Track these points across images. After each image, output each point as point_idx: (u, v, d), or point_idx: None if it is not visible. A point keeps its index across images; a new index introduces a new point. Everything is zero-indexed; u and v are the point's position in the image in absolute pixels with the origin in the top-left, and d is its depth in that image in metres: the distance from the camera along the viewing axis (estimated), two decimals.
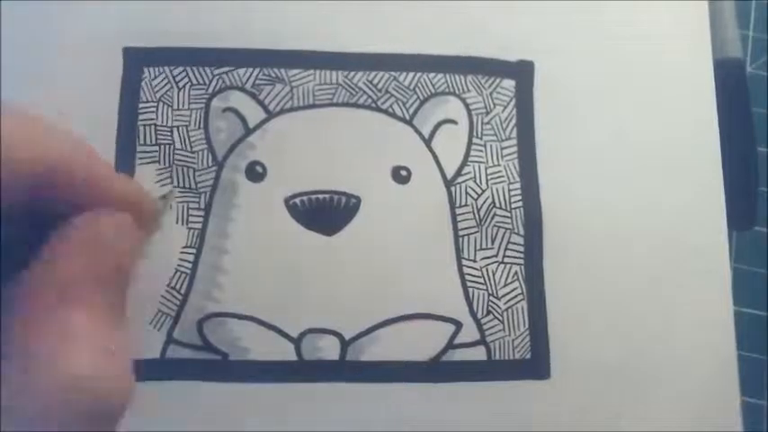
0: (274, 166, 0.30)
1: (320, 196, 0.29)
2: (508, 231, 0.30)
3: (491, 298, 0.29)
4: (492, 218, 0.30)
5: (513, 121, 0.31)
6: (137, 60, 0.30)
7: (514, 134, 0.31)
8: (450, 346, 0.29)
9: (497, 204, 0.30)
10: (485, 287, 0.30)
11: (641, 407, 0.29)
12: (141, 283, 0.28)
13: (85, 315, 0.17)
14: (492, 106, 0.31)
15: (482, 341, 0.29)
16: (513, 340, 0.29)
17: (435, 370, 0.29)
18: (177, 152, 0.30)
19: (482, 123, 0.31)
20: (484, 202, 0.30)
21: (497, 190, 0.30)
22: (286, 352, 0.28)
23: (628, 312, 0.30)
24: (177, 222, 0.29)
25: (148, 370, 0.28)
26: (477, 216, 0.30)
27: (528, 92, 0.31)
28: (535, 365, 0.29)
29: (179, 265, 0.29)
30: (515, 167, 0.31)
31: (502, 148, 0.31)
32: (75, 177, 0.19)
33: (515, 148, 0.31)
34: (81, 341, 0.17)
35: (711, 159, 0.31)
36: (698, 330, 0.30)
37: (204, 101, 0.30)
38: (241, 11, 0.31)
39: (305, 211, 0.29)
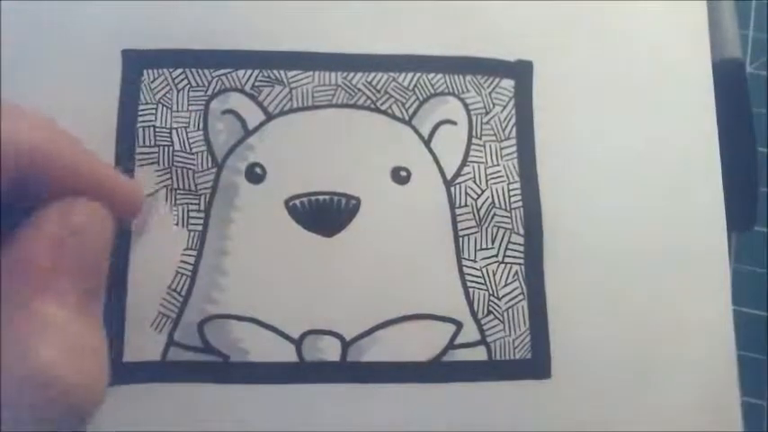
0: (274, 167, 0.30)
1: (320, 197, 0.29)
2: (508, 231, 0.30)
3: (491, 298, 0.29)
4: (492, 218, 0.30)
5: (513, 121, 0.31)
6: (136, 62, 0.30)
7: (514, 134, 0.31)
8: (451, 346, 0.29)
9: (497, 204, 0.30)
10: (485, 287, 0.30)
11: (641, 407, 0.29)
12: (142, 285, 0.29)
13: (56, 306, 0.17)
14: (491, 106, 0.31)
15: (482, 341, 0.29)
16: (513, 340, 0.29)
17: (436, 370, 0.29)
18: (177, 154, 0.30)
19: (481, 123, 0.31)
20: (484, 203, 0.30)
21: (497, 190, 0.30)
22: (287, 353, 0.28)
23: (628, 312, 0.30)
24: (177, 225, 0.29)
25: (149, 372, 0.28)
26: (477, 216, 0.30)
27: (527, 92, 0.31)
28: (536, 365, 0.29)
29: (179, 268, 0.29)
30: (515, 167, 0.31)
31: (501, 148, 0.31)
32: (54, 162, 0.18)
33: (515, 148, 0.31)
34: (51, 333, 0.16)
35: (711, 159, 0.31)
36: (698, 330, 0.30)
37: (203, 103, 0.30)
38: (240, 12, 0.31)
39: (305, 212, 0.29)
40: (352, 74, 0.31)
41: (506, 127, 0.31)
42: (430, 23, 0.32)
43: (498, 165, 0.31)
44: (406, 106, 0.31)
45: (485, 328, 0.29)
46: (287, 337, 0.28)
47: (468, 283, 0.29)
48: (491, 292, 0.30)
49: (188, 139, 0.30)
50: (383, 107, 0.31)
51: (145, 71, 0.30)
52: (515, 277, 0.30)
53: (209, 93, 0.30)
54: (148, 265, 0.29)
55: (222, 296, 0.29)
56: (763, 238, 0.34)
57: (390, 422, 0.28)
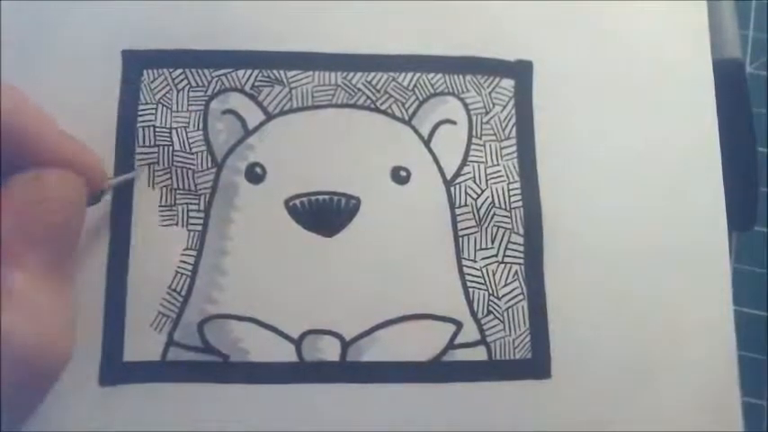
0: (274, 167, 0.30)
1: (320, 197, 0.29)
2: (508, 231, 0.30)
3: (491, 298, 0.29)
4: (492, 218, 0.30)
5: (513, 121, 0.31)
6: (135, 63, 0.30)
7: (514, 134, 0.31)
8: (451, 346, 0.29)
9: (497, 204, 0.30)
10: (485, 287, 0.30)
11: (641, 407, 0.29)
12: (142, 285, 0.29)
13: (22, 274, 0.17)
14: (491, 106, 0.31)
15: (482, 341, 0.29)
16: (513, 340, 0.29)
17: (436, 370, 0.29)
18: (176, 154, 0.30)
19: (481, 123, 0.31)
20: (483, 202, 0.30)
21: (497, 190, 0.30)
22: (287, 353, 0.28)
23: (628, 312, 0.30)
24: (177, 224, 0.29)
25: (149, 372, 0.28)
26: (476, 216, 0.30)
27: (527, 91, 0.31)
28: (536, 365, 0.29)
29: (179, 267, 0.29)
30: (515, 167, 0.31)
31: (501, 148, 0.31)
32: (18, 132, 0.18)
33: (515, 148, 0.31)
34: (14, 300, 0.16)
35: (711, 159, 0.31)
36: (698, 330, 0.30)
37: (203, 103, 0.30)
38: (240, 12, 0.31)
39: (305, 212, 0.29)
40: (351, 74, 0.31)
41: (506, 127, 0.31)
42: (430, 23, 0.32)
43: (498, 164, 0.31)
44: (406, 106, 0.31)
45: (485, 327, 0.29)
46: (287, 337, 0.28)
47: (468, 283, 0.29)
48: (491, 291, 0.30)
49: (188, 138, 0.30)
50: (383, 107, 0.31)
51: (145, 71, 0.30)
52: (515, 277, 0.30)
53: (209, 93, 0.30)
54: (148, 265, 0.29)
55: (222, 296, 0.29)
56: (763, 238, 0.34)
57: (390, 422, 0.28)
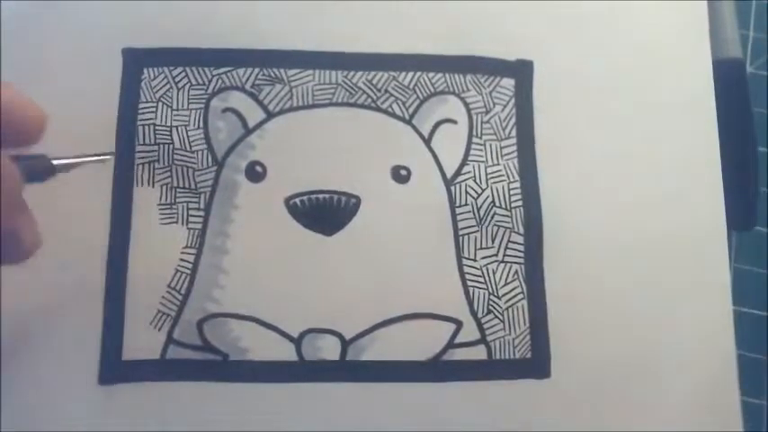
0: (274, 166, 0.30)
1: (320, 196, 0.29)
2: (508, 230, 0.30)
3: (491, 297, 0.29)
4: (492, 217, 0.30)
5: (513, 121, 0.31)
6: (136, 61, 0.30)
7: (514, 133, 0.31)
8: (451, 345, 0.29)
9: (497, 203, 0.30)
10: (485, 286, 0.30)
11: (641, 407, 0.29)
12: (141, 283, 0.28)
13: None
14: (491, 105, 0.31)
15: (482, 340, 0.29)
16: (513, 339, 0.29)
17: (436, 369, 0.29)
18: (177, 152, 0.29)
19: (482, 123, 0.31)
20: (484, 202, 0.30)
21: (497, 189, 0.30)
22: (286, 352, 0.28)
23: (628, 312, 0.30)
24: (177, 222, 0.29)
25: (148, 370, 0.28)
26: (477, 215, 0.30)
27: (527, 91, 0.32)
28: (535, 365, 0.29)
29: (179, 266, 0.29)
30: (515, 167, 0.31)
31: (501, 148, 0.31)
32: None
33: (515, 148, 0.31)
34: None
35: (711, 159, 0.31)
36: (698, 330, 0.30)
37: (204, 101, 0.30)
38: (240, 11, 0.31)
39: (305, 210, 0.29)
40: (352, 72, 0.31)
41: (507, 126, 0.31)
42: (430, 23, 0.32)
43: (498, 164, 0.31)
44: (407, 105, 0.31)
45: (485, 327, 0.29)
46: (286, 336, 0.28)
47: (468, 283, 0.29)
48: (491, 291, 0.30)
49: (188, 137, 0.30)
50: (383, 106, 0.31)
51: (145, 69, 0.30)
52: (515, 276, 0.30)
53: (210, 91, 0.30)
54: (148, 263, 0.29)
55: (222, 294, 0.29)
56: (763, 238, 0.34)
57: (390, 421, 0.28)
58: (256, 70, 0.30)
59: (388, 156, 0.30)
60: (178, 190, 0.29)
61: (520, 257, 0.30)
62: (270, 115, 0.30)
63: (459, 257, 0.30)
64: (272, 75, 0.31)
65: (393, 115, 0.31)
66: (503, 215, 0.30)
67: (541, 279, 0.30)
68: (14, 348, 0.27)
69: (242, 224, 0.29)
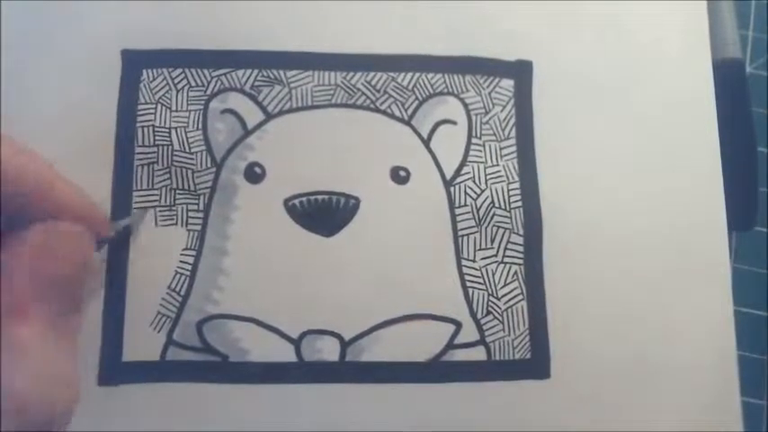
0: (273, 167, 0.30)
1: (319, 197, 0.29)
2: (508, 231, 0.30)
3: (491, 298, 0.29)
4: (491, 218, 0.30)
5: (512, 121, 0.31)
6: (135, 62, 0.30)
7: (513, 134, 0.31)
8: (450, 346, 0.29)
9: (497, 204, 0.30)
10: (484, 287, 0.30)
11: (641, 407, 0.29)
12: (141, 285, 0.29)
13: (27, 328, 0.17)
14: (491, 106, 0.31)
15: (482, 341, 0.29)
16: (512, 340, 0.29)
17: (435, 370, 0.29)
18: (176, 153, 0.30)
19: (481, 123, 0.31)
20: (483, 202, 0.30)
21: (497, 190, 0.30)
22: (286, 353, 0.28)
23: (628, 312, 0.30)
24: (177, 224, 0.29)
25: (148, 372, 0.28)
26: (476, 216, 0.30)
27: (527, 92, 0.31)
28: (535, 365, 0.29)
29: (179, 267, 0.29)
30: (514, 167, 0.31)
31: (501, 148, 0.31)
32: (24, 183, 0.18)
33: (514, 148, 0.31)
34: (19, 354, 0.16)
35: (711, 159, 0.31)
36: (698, 330, 0.30)
37: (203, 102, 0.30)
38: (239, 12, 0.31)
39: (304, 212, 0.29)
40: (351, 73, 0.31)
41: (506, 127, 0.31)
42: (429, 24, 0.32)
43: (498, 165, 0.31)
44: (406, 106, 0.31)
45: (484, 328, 0.29)
46: (286, 337, 0.28)
47: (468, 283, 0.29)
48: (490, 292, 0.29)
49: (187, 138, 0.30)
50: (382, 107, 0.31)
51: (144, 71, 0.30)
52: (515, 277, 0.30)
53: (209, 92, 0.30)
54: (147, 265, 0.29)
55: (221, 296, 0.29)
56: (763, 238, 0.34)
57: (390, 422, 0.28)
58: (255, 71, 0.30)
59: (388, 157, 0.30)
60: (177, 191, 0.29)
61: (519, 258, 0.30)
62: (269, 116, 0.30)
63: (459, 258, 0.30)
64: (272, 76, 0.31)
65: (392, 116, 0.31)
66: (502, 216, 0.30)
67: (541, 280, 0.30)
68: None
69: (241, 225, 0.29)
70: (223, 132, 0.30)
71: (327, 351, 0.28)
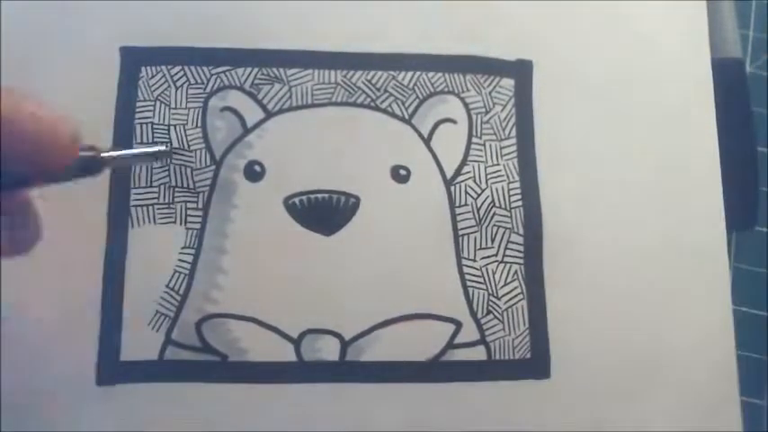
0: (273, 165, 0.29)
1: (319, 196, 0.29)
2: (508, 231, 0.30)
3: (491, 297, 0.29)
4: (492, 217, 0.30)
5: (513, 121, 0.31)
6: (134, 59, 0.30)
7: (514, 133, 0.31)
8: (450, 345, 0.29)
9: (497, 204, 0.30)
10: (484, 287, 0.29)
11: (641, 407, 0.29)
12: (139, 284, 0.28)
13: None
14: (491, 105, 0.31)
15: (482, 341, 0.29)
16: (513, 340, 0.29)
17: (435, 370, 0.29)
18: (175, 151, 0.29)
19: (481, 123, 0.31)
20: (483, 202, 0.30)
21: (497, 189, 0.30)
22: (286, 353, 0.28)
23: (628, 312, 0.30)
24: (175, 222, 0.29)
25: (146, 371, 0.28)
26: (476, 215, 0.30)
27: (527, 91, 0.31)
28: (535, 365, 0.29)
29: (177, 266, 0.28)
30: (515, 167, 0.31)
31: (501, 148, 0.31)
32: None
33: (515, 148, 0.31)
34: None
35: (711, 159, 0.31)
36: (698, 330, 0.30)
37: (202, 100, 0.30)
38: (239, 10, 0.31)
39: (304, 210, 0.29)
40: (351, 72, 0.31)
41: (506, 126, 0.31)
42: (430, 23, 0.32)
43: (498, 164, 0.31)
44: (406, 105, 0.31)
45: (484, 327, 0.29)
46: (286, 337, 0.28)
47: (468, 283, 0.29)
48: (490, 291, 0.29)
49: (186, 136, 0.30)
50: (383, 105, 0.31)
51: (143, 68, 0.30)
52: (515, 277, 0.30)
53: (208, 90, 0.30)
54: (146, 264, 0.28)
55: (220, 295, 0.28)
56: (763, 238, 0.34)
57: (390, 422, 0.28)
58: (255, 69, 0.30)
59: (388, 155, 0.30)
60: (176, 189, 0.29)
61: (519, 258, 0.30)
62: (269, 115, 0.30)
63: (459, 258, 0.30)
64: (271, 74, 0.30)
65: (392, 115, 0.31)
66: (502, 215, 0.30)
67: (541, 279, 0.30)
68: (14, 348, 0.27)
69: (241, 224, 0.29)
70: (222, 130, 0.30)
71: (327, 350, 0.28)
